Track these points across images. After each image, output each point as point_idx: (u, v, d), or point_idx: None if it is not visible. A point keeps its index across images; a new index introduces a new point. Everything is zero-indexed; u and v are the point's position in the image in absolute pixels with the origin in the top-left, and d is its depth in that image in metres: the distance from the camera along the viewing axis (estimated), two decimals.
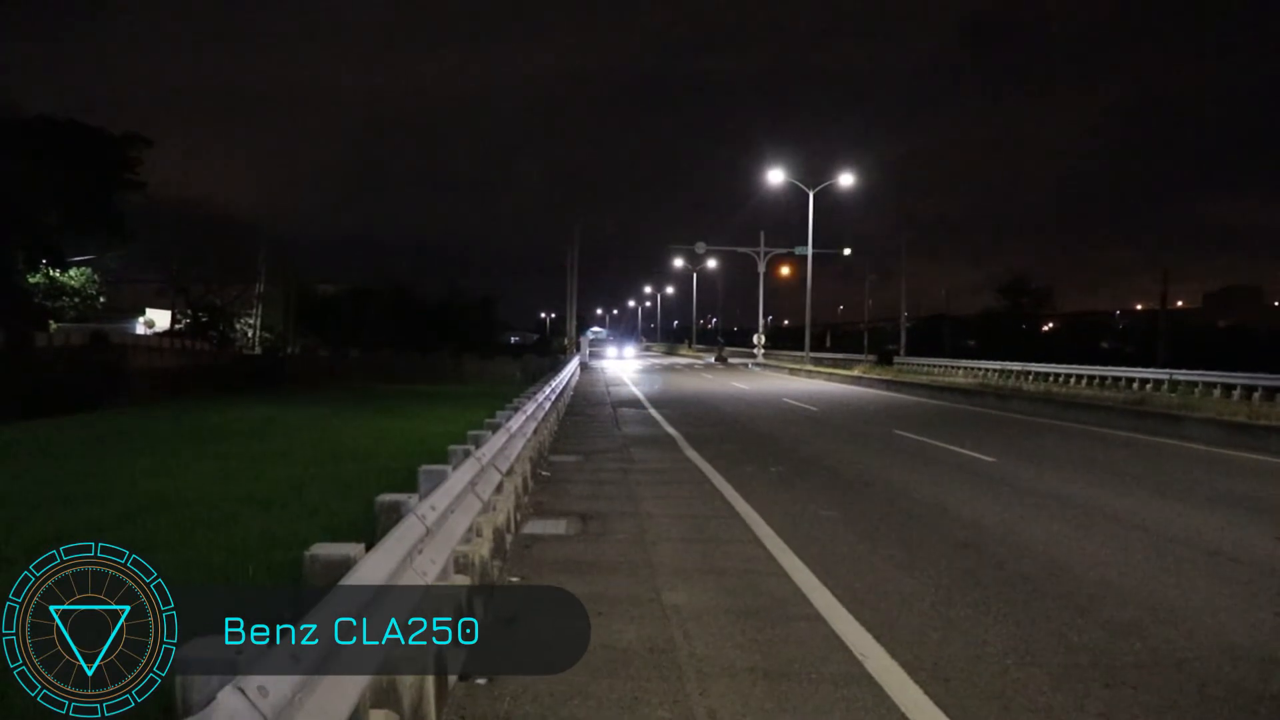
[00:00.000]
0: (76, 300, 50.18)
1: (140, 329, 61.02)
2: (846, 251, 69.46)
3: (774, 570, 8.16)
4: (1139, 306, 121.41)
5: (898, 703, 5.14)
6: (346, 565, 3.92)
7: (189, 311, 61.91)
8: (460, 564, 6.48)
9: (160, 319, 64.24)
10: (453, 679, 5.33)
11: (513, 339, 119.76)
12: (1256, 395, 30.48)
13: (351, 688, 3.33)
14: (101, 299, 52.69)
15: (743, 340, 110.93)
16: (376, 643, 3.78)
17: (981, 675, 5.62)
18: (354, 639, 3.51)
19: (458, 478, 6.49)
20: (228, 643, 2.70)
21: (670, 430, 20.84)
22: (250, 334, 67.72)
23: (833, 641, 6.22)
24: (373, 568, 3.98)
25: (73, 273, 49.81)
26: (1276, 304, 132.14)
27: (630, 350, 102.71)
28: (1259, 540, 9.70)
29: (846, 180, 58.15)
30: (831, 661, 5.83)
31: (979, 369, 52.22)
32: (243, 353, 62.82)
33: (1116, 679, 5.59)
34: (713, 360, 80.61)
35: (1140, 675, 5.66)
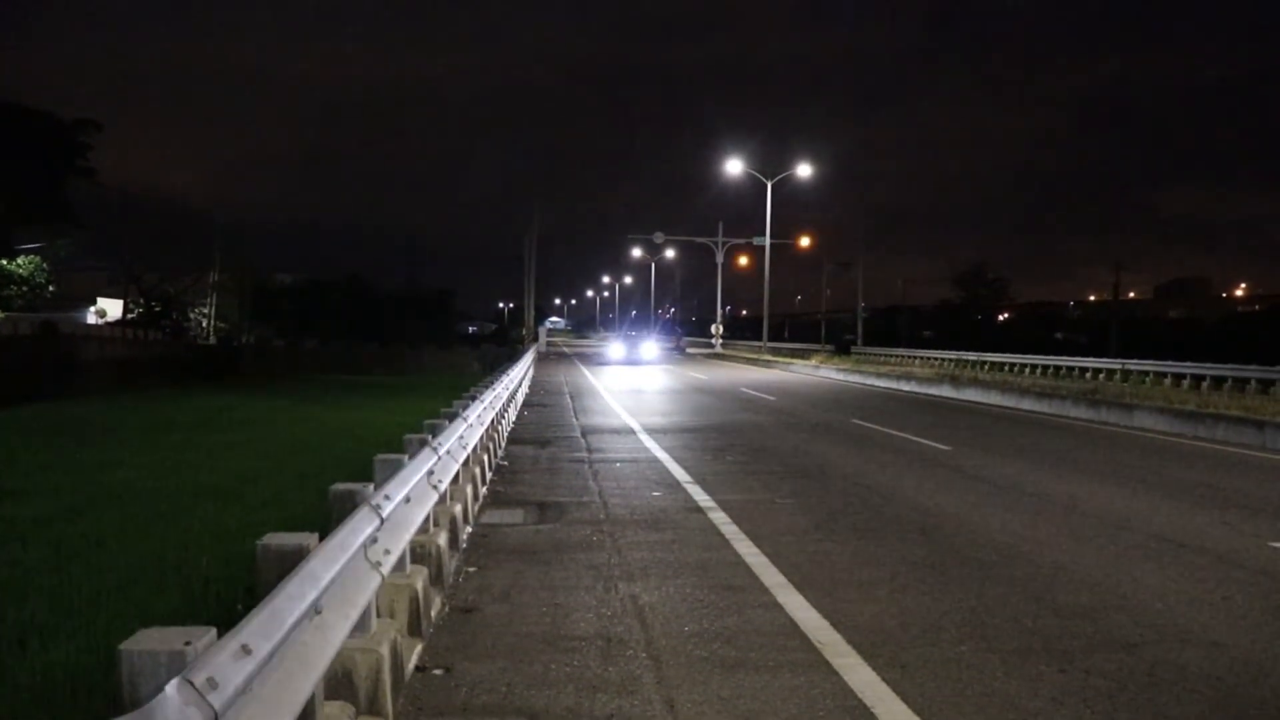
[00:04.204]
0: (25, 289, 49.26)
1: (92, 318, 60.07)
2: (805, 242, 69.62)
3: (731, 559, 8.17)
4: (1093, 297, 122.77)
5: (854, 688, 5.17)
6: (300, 555, 3.87)
7: (142, 301, 61.05)
8: (417, 554, 6.44)
9: (112, 308, 63.27)
10: (409, 669, 5.30)
11: (470, 329, 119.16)
12: (1205, 384, 30.99)
13: (304, 679, 3.29)
14: (51, 288, 51.77)
15: (701, 330, 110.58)
16: (330, 633, 3.74)
17: (936, 660, 5.65)
18: (306, 630, 3.47)
19: (414, 467, 6.44)
20: (176, 634, 2.66)
21: (628, 420, 20.83)
22: (205, 324, 66.93)
23: (790, 629, 6.24)
24: (326, 558, 3.93)
25: (20, 261, 48.87)
26: (1225, 295, 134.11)
27: (653, 348, 60.36)
28: (1208, 526, 9.84)
29: (804, 171, 58.32)
30: (789, 649, 5.84)
31: (936, 359, 52.70)
32: (197, 343, 62.08)
33: (1069, 662, 5.65)
34: (671, 350, 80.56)
35: (1092, 659, 5.72)
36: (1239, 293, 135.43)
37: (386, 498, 5.31)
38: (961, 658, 5.72)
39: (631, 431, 18.37)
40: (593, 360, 55.96)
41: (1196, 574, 7.86)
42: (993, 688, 5.23)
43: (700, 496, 11.17)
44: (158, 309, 61.06)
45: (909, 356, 56.30)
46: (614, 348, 59.66)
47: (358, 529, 4.54)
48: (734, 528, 9.40)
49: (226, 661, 2.71)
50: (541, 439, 16.94)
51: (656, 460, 14.36)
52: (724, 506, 10.49)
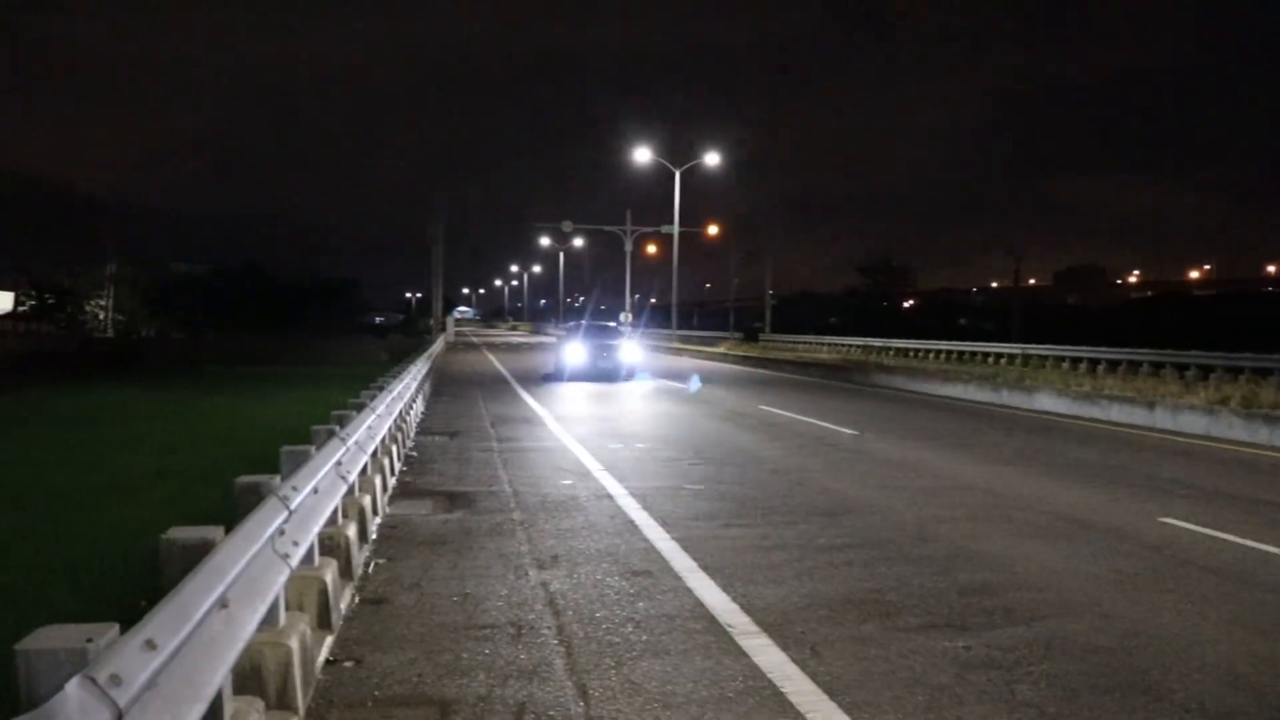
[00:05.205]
0: None
1: None
2: (713, 230, 70.04)
3: (642, 545, 8.23)
4: (995, 284, 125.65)
5: (763, 668, 5.26)
6: (205, 549, 3.81)
7: (33, 293, 59.09)
8: (326, 546, 6.37)
9: (3, 301, 61.20)
10: (320, 662, 5.25)
11: (377, 320, 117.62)
12: (1100, 368, 31.94)
13: (212, 673, 3.25)
14: None
15: (610, 319, 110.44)
16: (237, 627, 3.70)
17: (843, 639, 5.78)
18: (213, 624, 3.43)
19: (321, 458, 6.37)
20: (77, 631, 2.61)
21: (539, 409, 20.78)
22: (101, 316, 65.03)
23: (700, 613, 6.31)
24: (232, 551, 3.89)
25: None
26: (1118, 282, 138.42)
27: (634, 350, 34.47)
28: (1101, 504, 10.18)
29: (713, 159, 58.54)
30: (699, 632, 5.91)
31: (842, 345, 53.49)
32: (93, 336, 60.29)
33: (972, 637, 5.82)
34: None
35: (993, 634, 5.91)
36: (1132, 279, 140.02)
37: (294, 489, 5.25)
38: (868, 636, 5.85)
39: (541, 422, 18.34)
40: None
41: (1090, 550, 8.14)
42: (898, 664, 5.36)
43: (610, 484, 11.21)
44: (51, 301, 59.18)
45: (816, 343, 57.06)
46: (570, 351, 31.39)
47: (264, 521, 4.49)
48: (644, 514, 9.46)
49: (130, 657, 2.67)
50: (451, 429, 16.83)
51: (566, 449, 14.37)
52: (634, 494, 10.55)
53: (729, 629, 5.96)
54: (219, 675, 3.31)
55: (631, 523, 9.12)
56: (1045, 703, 4.85)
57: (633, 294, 74.39)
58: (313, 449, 6.47)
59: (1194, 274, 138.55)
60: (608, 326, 40.06)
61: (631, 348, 33.18)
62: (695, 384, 28.15)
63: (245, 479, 5.27)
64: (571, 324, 45.83)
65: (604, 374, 30.09)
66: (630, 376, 30.47)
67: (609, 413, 20.20)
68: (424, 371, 21.92)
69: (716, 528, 8.96)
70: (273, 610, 4.43)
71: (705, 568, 7.42)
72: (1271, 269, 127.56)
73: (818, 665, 5.33)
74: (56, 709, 2.31)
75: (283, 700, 4.29)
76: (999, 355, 39.18)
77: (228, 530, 4.14)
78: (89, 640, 2.56)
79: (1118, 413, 19.00)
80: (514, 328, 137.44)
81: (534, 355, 49.55)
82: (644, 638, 5.81)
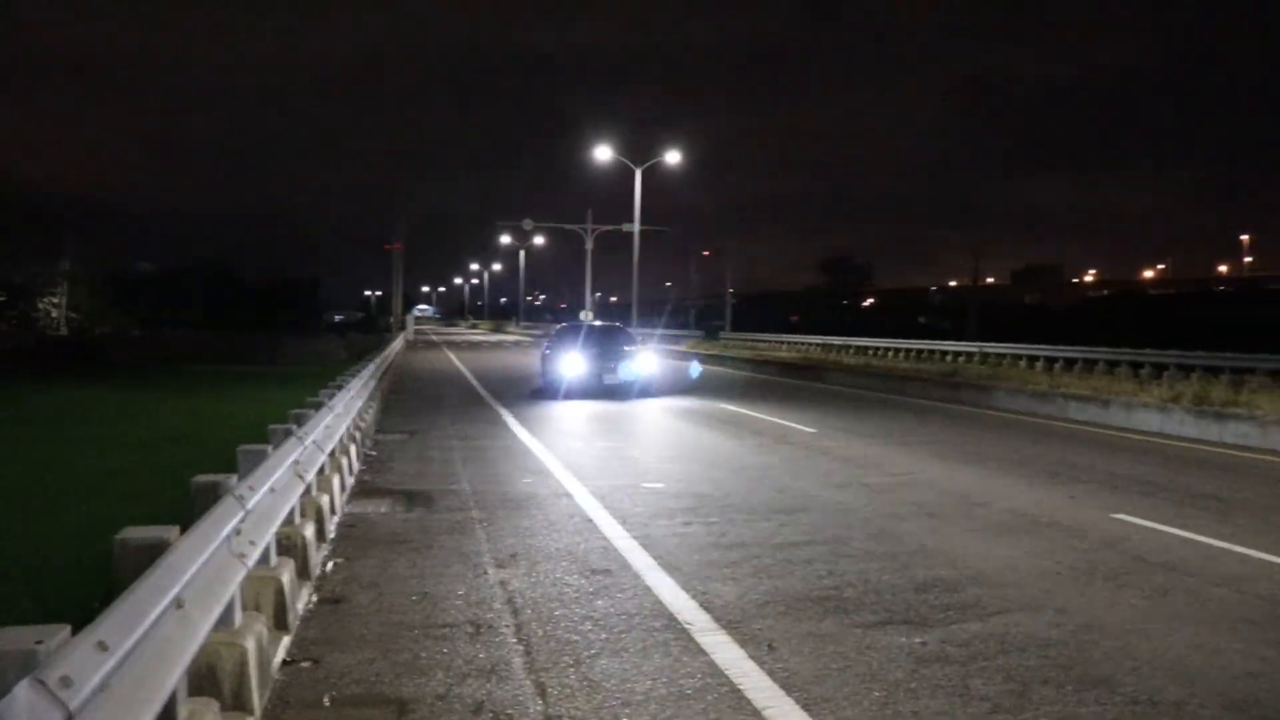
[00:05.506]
0: None
1: None
2: (675, 229, 70.16)
3: (600, 544, 8.24)
4: (953, 283, 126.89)
5: (721, 665, 5.29)
6: (160, 548, 3.79)
7: None
8: (284, 546, 6.34)
9: None
10: (276, 662, 5.23)
11: (337, 318, 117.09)
12: (1057, 366, 32.33)
13: (166, 675, 3.23)
14: None
15: (571, 317, 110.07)
16: (192, 627, 3.68)
17: (800, 635, 5.82)
18: (167, 624, 3.40)
19: (278, 457, 6.34)
20: (27, 633, 2.59)
21: (499, 408, 20.73)
22: (55, 314, 64.13)
23: (658, 610, 6.33)
24: (188, 550, 3.87)
25: None
26: (1075, 280, 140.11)
27: (650, 361, 24.90)
28: (1057, 501, 10.30)
29: (674, 158, 58.50)
30: (657, 630, 5.94)
31: (802, 343, 53.75)
32: (47, 334, 59.45)
33: (927, 633, 5.88)
34: (541, 337, 79.90)
35: (949, 629, 5.97)
36: (1089, 278, 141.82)
37: (250, 488, 5.22)
38: (825, 632, 5.90)
39: (501, 421, 18.31)
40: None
41: (1045, 547, 8.24)
42: (855, 660, 5.41)
43: (570, 482, 11.21)
44: (3, 299, 58.35)
45: (776, 341, 57.31)
46: (567, 362, 23.48)
47: (221, 520, 4.47)
48: (604, 513, 9.48)
49: (82, 659, 2.65)
50: (411, 428, 16.75)
51: (527, 448, 14.34)
52: (594, 492, 10.56)
53: (687, 626, 5.99)
54: (173, 677, 3.29)
55: (590, 521, 9.13)
56: (999, 696, 4.91)
57: (593, 292, 74.31)
58: (270, 448, 6.44)
59: (1149, 273, 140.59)
60: (615, 328, 29.24)
61: (648, 358, 24.46)
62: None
63: (202, 478, 5.24)
64: (565, 325, 32.12)
65: (611, 390, 22.92)
66: (645, 393, 23.27)
67: (568, 411, 20.16)
68: (383, 369, 21.82)
69: (675, 526, 8.99)
70: (229, 610, 4.40)
71: (664, 565, 7.45)
72: (1224, 268, 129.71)
73: (775, 662, 5.37)
74: (5, 711, 2.29)
75: (238, 701, 4.27)
76: (957, 354, 39.53)
77: (183, 530, 4.12)
78: (39, 642, 2.54)
79: (1074, 410, 19.24)
80: (474, 326, 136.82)
81: (496, 353, 49.43)
82: (602, 636, 5.82)
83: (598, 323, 33.01)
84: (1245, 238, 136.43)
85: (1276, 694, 5.02)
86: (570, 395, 22.48)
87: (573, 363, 23.13)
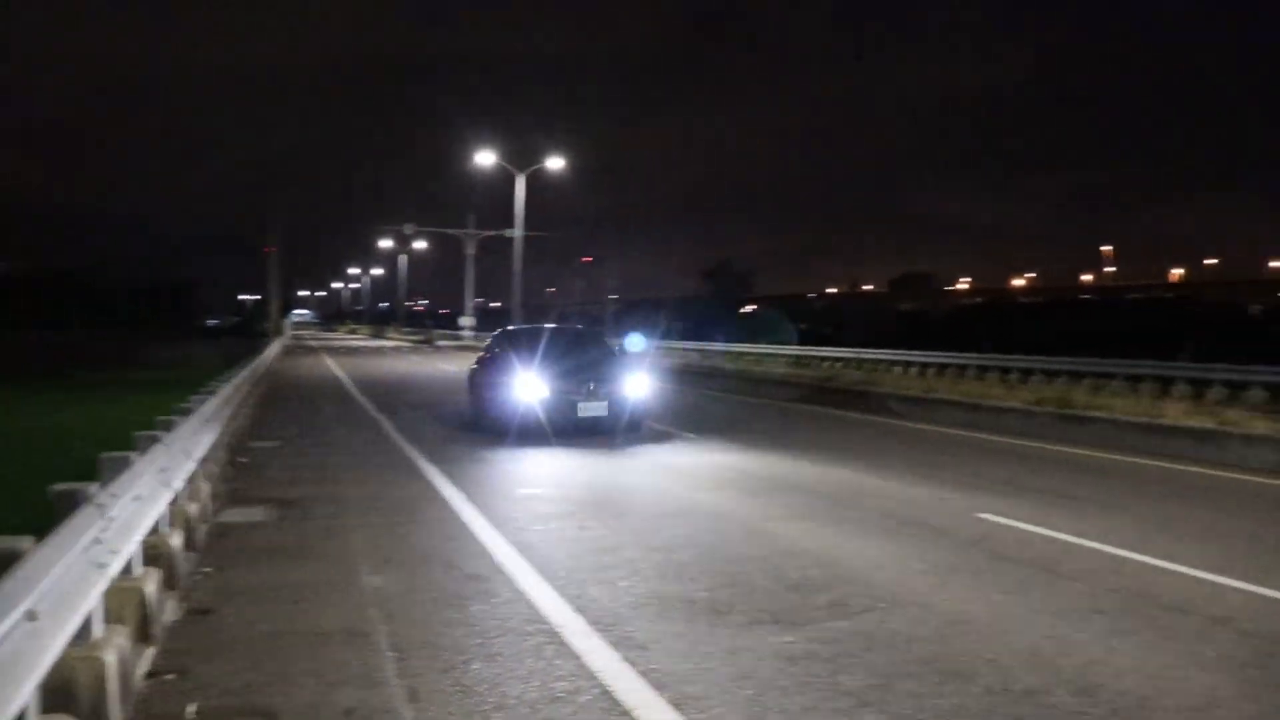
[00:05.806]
0: None
1: None
2: (557, 235, 70.16)
3: (476, 549, 8.22)
4: (832, 290, 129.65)
5: (594, 669, 5.33)
6: (13, 559, 3.68)
7: None
8: (150, 555, 6.19)
9: None
10: (139, 675, 5.10)
11: (211, 322, 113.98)
12: (930, 371, 33.18)
13: (15, 690, 3.15)
14: None
15: (452, 322, 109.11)
16: (46, 640, 3.58)
17: (673, 637, 5.90)
18: (19, 637, 3.31)
19: (143, 464, 6.19)
20: None
21: (374, 413, 20.45)
22: None
23: (533, 615, 6.34)
24: (42, 561, 3.76)
25: None
26: (948, 288, 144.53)
27: (644, 382, 16.95)
28: (926, 502, 10.60)
29: (557, 163, 58.52)
30: (531, 634, 5.95)
31: (681, 349, 54.14)
32: None
33: (797, 631, 6.02)
34: (421, 342, 79.13)
35: (819, 627, 6.11)
36: (962, 286, 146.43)
37: (113, 496, 5.09)
38: (697, 634, 5.99)
39: (377, 424, 18.10)
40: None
41: (913, 546, 8.49)
42: (726, 659, 5.51)
43: (445, 487, 11.15)
44: None
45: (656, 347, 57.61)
46: (521, 385, 15.66)
47: (79, 529, 4.35)
48: (481, 519, 9.45)
49: None
50: (284, 435, 16.44)
51: (404, 456, 14.18)
52: (471, 498, 10.52)
53: (560, 630, 6.02)
54: (23, 691, 3.21)
55: (466, 526, 9.11)
56: (865, 691, 5.05)
57: (475, 297, 73.67)
58: (134, 455, 6.27)
59: (1019, 281, 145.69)
60: (585, 333, 22.83)
61: (640, 379, 16.94)
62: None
63: (60, 486, 5.08)
64: (511, 328, 23.30)
65: (589, 426, 15.83)
66: (637, 428, 16.38)
67: (448, 416, 19.96)
68: (257, 375, 21.37)
69: (550, 530, 9.02)
70: (88, 622, 4.30)
71: (539, 570, 7.46)
72: (1088, 277, 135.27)
73: (648, 663, 5.43)
74: None
75: (96, 716, 4.16)
76: (835, 359, 40.29)
77: (39, 539, 4.00)
78: None
79: (945, 414, 19.73)
80: (353, 331, 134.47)
81: (376, 359, 48.78)
82: (477, 641, 5.82)
83: (558, 325, 23.67)
84: (1107, 248, 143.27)
85: (1121, 679, 5.27)
86: (527, 436, 15.29)
87: (529, 385, 15.75)
